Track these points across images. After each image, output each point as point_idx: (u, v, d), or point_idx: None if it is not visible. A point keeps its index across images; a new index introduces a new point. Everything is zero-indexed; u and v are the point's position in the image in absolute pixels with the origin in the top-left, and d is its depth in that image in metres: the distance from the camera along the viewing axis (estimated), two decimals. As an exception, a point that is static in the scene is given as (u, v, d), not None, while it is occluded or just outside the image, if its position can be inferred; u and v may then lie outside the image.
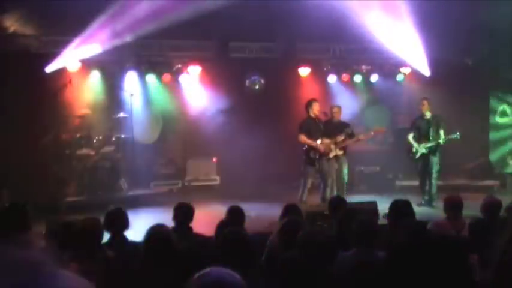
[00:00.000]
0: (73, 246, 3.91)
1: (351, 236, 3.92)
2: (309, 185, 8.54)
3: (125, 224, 4.60)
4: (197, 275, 1.58)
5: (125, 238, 4.58)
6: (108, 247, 4.19)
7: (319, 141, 8.49)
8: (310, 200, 8.55)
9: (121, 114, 10.49)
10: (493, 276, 1.78)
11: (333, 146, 8.51)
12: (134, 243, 4.46)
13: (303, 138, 8.50)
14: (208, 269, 1.61)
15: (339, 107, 9.37)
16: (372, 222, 4.01)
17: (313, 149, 8.46)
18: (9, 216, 4.15)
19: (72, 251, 3.82)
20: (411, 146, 9.05)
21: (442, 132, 8.82)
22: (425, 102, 8.99)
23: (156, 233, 3.71)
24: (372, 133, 9.21)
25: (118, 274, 3.55)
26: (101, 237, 4.09)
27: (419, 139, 8.98)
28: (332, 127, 8.86)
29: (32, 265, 0.92)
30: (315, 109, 8.56)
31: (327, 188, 8.51)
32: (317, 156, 8.47)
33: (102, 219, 4.39)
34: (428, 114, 8.91)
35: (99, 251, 3.88)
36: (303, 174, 8.63)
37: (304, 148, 8.53)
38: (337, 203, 5.34)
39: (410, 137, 9.08)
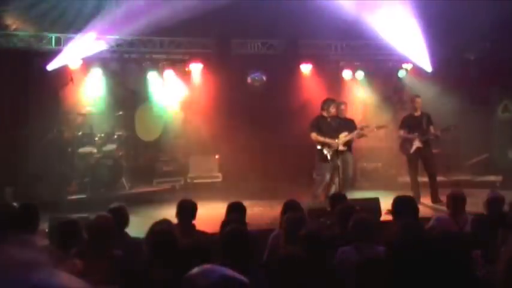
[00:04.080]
0: (81, 243, 3.89)
1: (349, 233, 3.92)
2: (327, 179, 8.42)
3: (125, 221, 4.61)
4: (195, 272, 1.56)
5: (126, 235, 4.59)
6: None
7: (336, 140, 8.43)
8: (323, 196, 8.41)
9: (122, 112, 10.49)
10: (501, 277, 1.76)
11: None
12: (136, 240, 4.48)
13: (314, 136, 8.40)
14: (206, 267, 1.59)
15: (346, 104, 9.31)
16: (367, 219, 3.99)
17: (327, 145, 8.36)
18: (19, 217, 4.14)
19: (80, 247, 3.80)
20: (404, 141, 8.94)
21: (431, 128, 8.76)
22: (418, 100, 8.94)
23: (158, 229, 3.71)
24: (375, 129, 9.14)
25: (123, 273, 3.54)
26: (113, 235, 4.00)
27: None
28: (337, 124, 8.79)
29: (27, 265, 0.91)
30: (332, 110, 8.49)
31: (333, 185, 8.45)
32: (330, 153, 8.36)
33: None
34: (418, 112, 8.89)
35: (108, 249, 3.84)
36: (319, 171, 8.51)
37: (319, 147, 8.43)
38: (338, 199, 5.34)
39: (402, 132, 8.99)
